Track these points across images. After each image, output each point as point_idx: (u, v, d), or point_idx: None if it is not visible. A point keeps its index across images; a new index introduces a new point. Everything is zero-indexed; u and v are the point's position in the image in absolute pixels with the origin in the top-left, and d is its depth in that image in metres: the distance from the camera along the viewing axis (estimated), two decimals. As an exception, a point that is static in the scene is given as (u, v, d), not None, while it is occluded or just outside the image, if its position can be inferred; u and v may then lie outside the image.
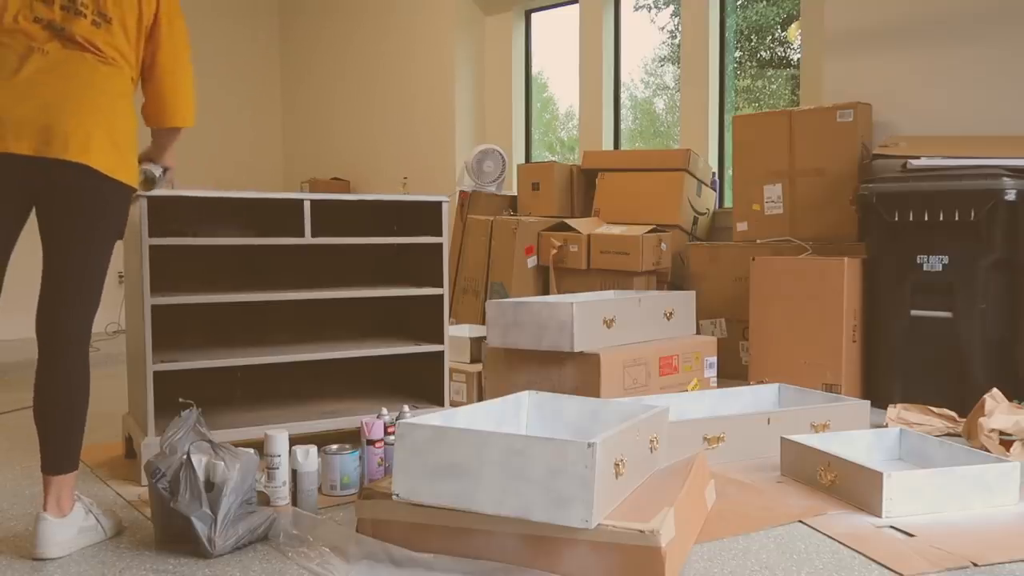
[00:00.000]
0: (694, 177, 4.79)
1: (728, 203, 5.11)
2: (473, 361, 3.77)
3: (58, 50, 2.02)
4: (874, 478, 2.25)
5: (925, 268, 3.50)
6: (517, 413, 2.39)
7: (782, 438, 2.65)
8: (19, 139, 1.95)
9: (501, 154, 5.49)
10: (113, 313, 6.14)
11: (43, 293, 2.05)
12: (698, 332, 4.13)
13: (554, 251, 4.64)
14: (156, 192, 2.57)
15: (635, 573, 1.76)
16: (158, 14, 2.17)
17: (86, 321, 2.07)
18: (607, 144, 5.73)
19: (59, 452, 2.05)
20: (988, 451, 2.77)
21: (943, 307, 3.47)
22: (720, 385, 3.56)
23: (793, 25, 5.94)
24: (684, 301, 3.65)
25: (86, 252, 2.04)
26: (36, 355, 2.07)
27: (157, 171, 2.36)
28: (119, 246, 5.98)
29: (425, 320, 3.19)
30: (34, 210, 2.07)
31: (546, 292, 4.74)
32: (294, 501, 2.37)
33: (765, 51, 6.56)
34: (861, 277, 3.67)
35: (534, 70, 6.34)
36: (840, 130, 4.08)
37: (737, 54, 5.87)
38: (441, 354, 3.09)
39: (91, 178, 2.01)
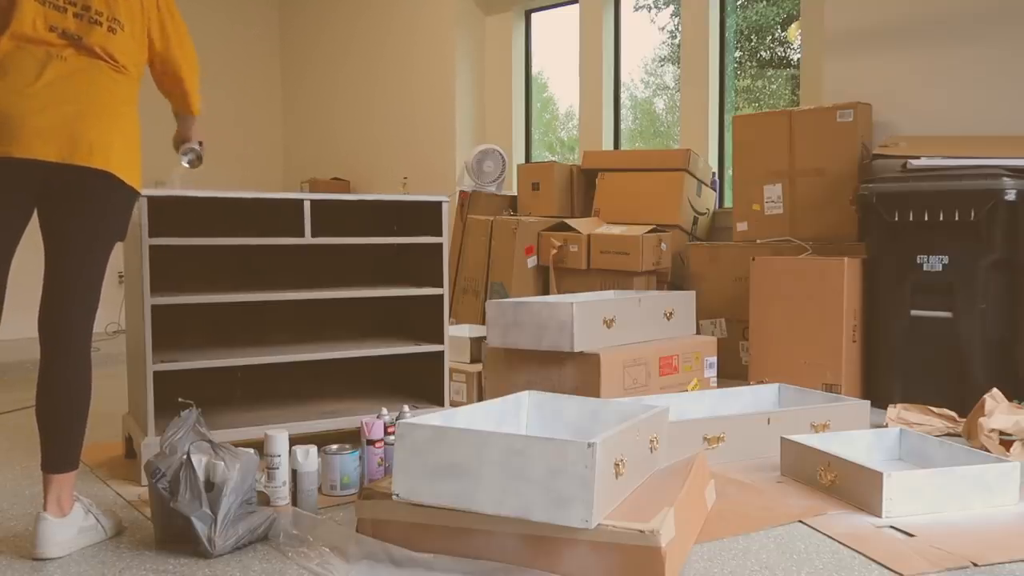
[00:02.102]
0: (694, 177, 4.79)
1: (728, 203, 5.11)
2: (473, 361, 3.77)
3: (74, 57, 2.07)
4: (874, 478, 2.25)
5: (925, 268, 3.50)
6: (517, 413, 2.39)
7: (782, 438, 2.65)
8: (45, 144, 1.98)
9: (501, 154, 5.49)
10: (113, 313, 6.13)
11: (46, 293, 2.07)
12: (698, 332, 4.13)
13: (554, 251, 4.64)
14: (158, 192, 2.60)
15: (635, 573, 1.76)
16: (160, 11, 2.23)
17: (88, 320, 2.09)
18: (607, 144, 5.73)
19: (60, 451, 2.06)
20: (988, 451, 2.77)
21: (943, 307, 3.47)
22: (720, 385, 3.56)
23: (793, 25, 5.94)
24: (684, 301, 3.65)
25: (93, 253, 2.07)
26: (36, 355, 2.07)
27: (196, 145, 2.53)
28: (119, 246, 5.98)
29: (425, 320, 3.19)
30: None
31: (546, 292, 4.74)
32: (294, 501, 2.37)
33: (765, 51, 6.56)
34: (861, 277, 3.67)
35: (534, 70, 6.34)
36: (840, 130, 4.08)
37: (737, 54, 5.87)
38: (441, 354, 3.09)
39: (110, 184, 2.06)
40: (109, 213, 2.09)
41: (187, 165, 2.53)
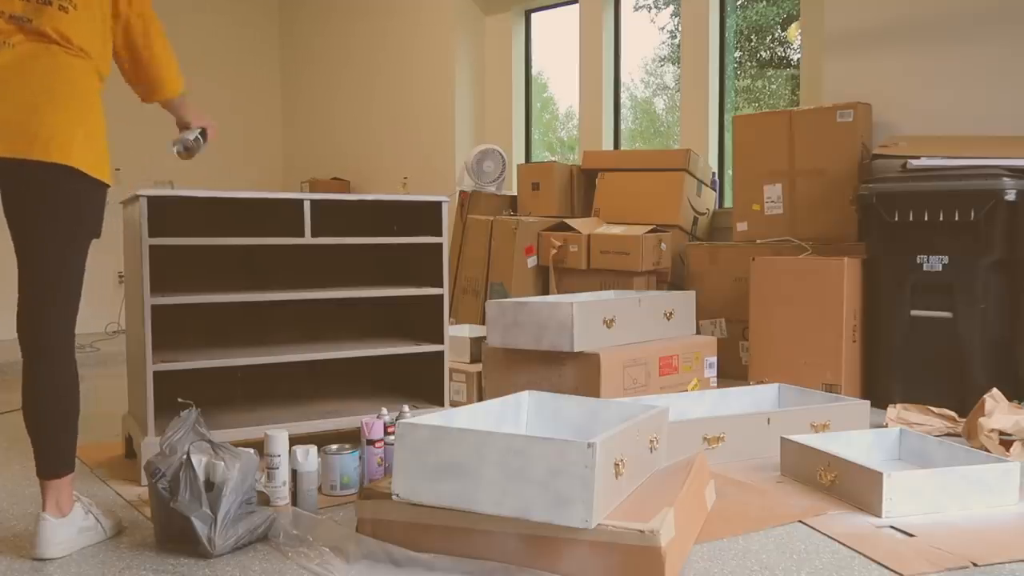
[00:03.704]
0: (694, 177, 4.79)
1: (728, 203, 5.11)
2: (473, 361, 3.77)
3: (23, 43, 1.95)
4: (874, 478, 2.25)
5: (925, 268, 3.50)
6: (517, 413, 2.39)
7: (782, 438, 2.65)
8: None
9: (501, 154, 5.49)
10: (113, 313, 6.13)
11: (21, 295, 2.01)
12: (698, 332, 4.13)
13: (554, 251, 4.64)
14: (157, 191, 2.58)
15: (635, 573, 1.76)
16: None
17: (69, 322, 2.03)
18: (607, 144, 5.73)
19: (53, 456, 2.02)
20: (988, 451, 2.77)
21: (943, 307, 3.47)
22: (720, 385, 3.56)
23: (793, 25, 5.93)
24: (684, 301, 3.65)
25: (67, 253, 2.00)
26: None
27: (191, 136, 2.37)
28: (118, 246, 5.97)
29: (425, 320, 3.19)
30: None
31: (546, 292, 4.74)
32: (294, 501, 2.37)
33: (765, 51, 6.56)
34: (861, 277, 3.67)
35: (534, 70, 6.34)
36: (840, 130, 4.08)
37: (737, 54, 5.87)
38: (441, 354, 3.09)
39: (72, 178, 1.96)
40: (75, 209, 1.98)
41: (175, 153, 2.36)
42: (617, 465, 1.89)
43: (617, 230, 4.57)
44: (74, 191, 1.98)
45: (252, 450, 2.18)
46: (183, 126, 2.38)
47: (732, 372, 4.17)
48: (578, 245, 4.57)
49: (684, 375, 3.45)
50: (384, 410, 2.59)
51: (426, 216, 3.16)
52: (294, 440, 2.51)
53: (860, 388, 3.68)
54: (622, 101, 5.83)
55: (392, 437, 2.50)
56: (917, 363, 3.53)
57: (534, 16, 6.26)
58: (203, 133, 2.40)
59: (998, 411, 2.89)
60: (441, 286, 3.07)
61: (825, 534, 2.15)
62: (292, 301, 3.29)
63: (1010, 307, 3.44)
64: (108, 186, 2.07)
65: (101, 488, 2.58)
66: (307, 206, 2.80)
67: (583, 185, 5.25)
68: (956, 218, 3.39)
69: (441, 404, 3.08)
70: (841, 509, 2.31)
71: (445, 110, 6.32)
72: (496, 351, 3.39)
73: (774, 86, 6.57)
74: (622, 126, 5.81)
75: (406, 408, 2.63)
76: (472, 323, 4.68)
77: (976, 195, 3.35)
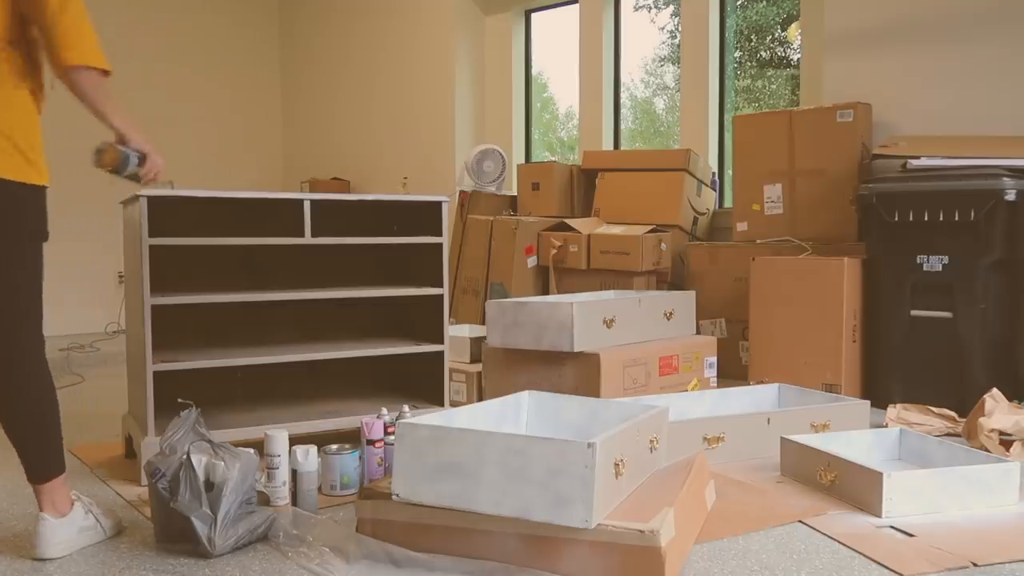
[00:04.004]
0: (694, 177, 4.79)
1: (728, 203, 5.11)
2: (473, 361, 3.77)
3: None
4: (874, 478, 2.25)
5: (925, 268, 3.50)
6: (517, 413, 2.39)
7: (782, 438, 2.65)
8: None
9: (501, 154, 5.49)
10: (113, 313, 6.13)
11: None
12: (698, 332, 4.13)
13: (554, 251, 4.64)
14: (157, 191, 2.56)
15: (635, 573, 1.76)
16: None
17: (35, 325, 1.98)
18: (607, 144, 5.73)
19: (39, 462, 2.00)
20: (988, 451, 2.77)
21: (943, 307, 3.47)
22: (720, 385, 3.56)
23: (793, 25, 5.93)
24: (684, 301, 3.65)
25: (16, 261, 1.92)
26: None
27: (132, 154, 2.03)
28: (118, 246, 5.98)
29: (425, 320, 3.19)
30: None
31: (546, 292, 4.74)
32: (294, 501, 2.37)
33: (765, 51, 6.56)
34: (861, 277, 3.67)
35: (534, 70, 6.34)
36: (840, 130, 4.08)
37: (737, 54, 5.87)
38: (441, 354, 3.10)
39: None
40: (18, 217, 1.89)
41: (93, 160, 2.03)
42: (617, 465, 1.89)
43: (617, 230, 4.57)
44: (9, 198, 1.88)
45: (252, 450, 2.18)
46: (119, 141, 2.05)
47: (732, 372, 4.17)
48: (578, 245, 4.57)
49: (684, 375, 3.45)
50: (384, 410, 2.59)
51: (426, 216, 3.16)
52: (294, 440, 2.51)
53: (860, 388, 3.68)
54: (622, 101, 5.83)
55: (392, 437, 2.51)
56: (917, 363, 3.53)
57: (534, 16, 6.26)
58: (141, 159, 2.06)
59: (998, 411, 2.90)
60: (441, 286, 3.07)
61: (825, 534, 2.15)
62: (292, 301, 3.29)
63: (1010, 307, 3.44)
64: (41, 187, 1.95)
65: (101, 488, 2.58)
66: (307, 206, 2.80)
67: (583, 185, 5.25)
68: (956, 218, 3.39)
69: (441, 404, 3.08)
70: (841, 509, 2.31)
71: (445, 110, 6.32)
72: (496, 351, 3.39)
73: (774, 86, 6.56)
74: (622, 126, 5.81)
75: (406, 408, 2.63)
76: (472, 323, 4.68)
77: (976, 195, 3.35)
